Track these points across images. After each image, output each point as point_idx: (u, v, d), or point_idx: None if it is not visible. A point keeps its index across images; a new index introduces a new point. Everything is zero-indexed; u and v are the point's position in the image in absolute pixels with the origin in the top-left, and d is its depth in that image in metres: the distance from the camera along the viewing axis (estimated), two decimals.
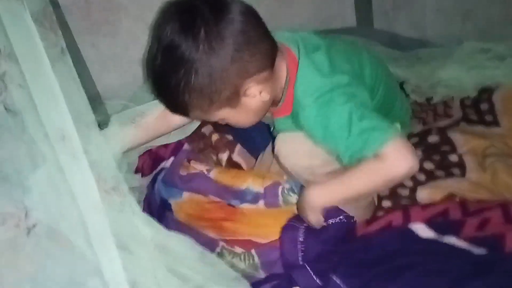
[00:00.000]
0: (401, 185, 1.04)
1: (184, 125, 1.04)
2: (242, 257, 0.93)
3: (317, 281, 0.79)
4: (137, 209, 0.76)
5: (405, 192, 1.02)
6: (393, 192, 1.03)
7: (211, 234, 0.96)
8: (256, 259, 0.91)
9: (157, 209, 1.02)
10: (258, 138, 1.17)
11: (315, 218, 0.85)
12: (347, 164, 0.79)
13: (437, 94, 1.24)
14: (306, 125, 0.82)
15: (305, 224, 0.89)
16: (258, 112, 0.84)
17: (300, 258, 0.84)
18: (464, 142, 1.07)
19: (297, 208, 0.90)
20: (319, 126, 0.79)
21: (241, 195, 0.96)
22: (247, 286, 0.81)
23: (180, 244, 0.78)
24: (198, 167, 1.02)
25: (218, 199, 0.98)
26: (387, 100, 0.95)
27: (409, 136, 1.15)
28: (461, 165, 1.03)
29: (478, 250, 0.78)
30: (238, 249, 0.94)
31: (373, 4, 1.51)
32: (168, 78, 0.77)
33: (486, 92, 1.19)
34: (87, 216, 0.68)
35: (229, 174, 1.01)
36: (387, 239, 0.85)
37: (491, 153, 1.02)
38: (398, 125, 0.87)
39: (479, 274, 0.71)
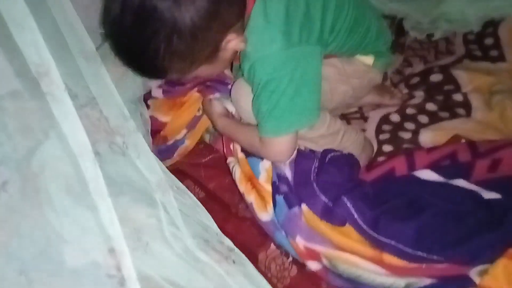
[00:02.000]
0: (403, 128, 0.98)
1: None
2: None
3: (323, 198, 0.77)
4: (144, 149, 0.68)
5: (407, 135, 0.96)
6: (394, 135, 0.97)
7: None
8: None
9: None
10: None
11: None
12: None
13: (438, 30, 1.16)
14: (247, 74, 0.77)
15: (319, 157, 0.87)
16: (230, 60, 0.80)
17: (312, 178, 0.80)
18: (469, 80, 1.01)
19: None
20: (251, 78, 0.77)
21: None
22: None
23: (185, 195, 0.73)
24: None
25: None
26: (357, 33, 0.87)
27: (410, 76, 1.07)
28: (466, 105, 0.97)
29: (490, 195, 0.73)
30: None
31: None
32: (144, 42, 0.67)
33: (490, 26, 1.11)
34: (81, 161, 0.59)
35: None
36: (392, 183, 0.80)
37: (498, 90, 0.96)
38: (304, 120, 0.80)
39: (495, 220, 0.67)
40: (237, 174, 0.89)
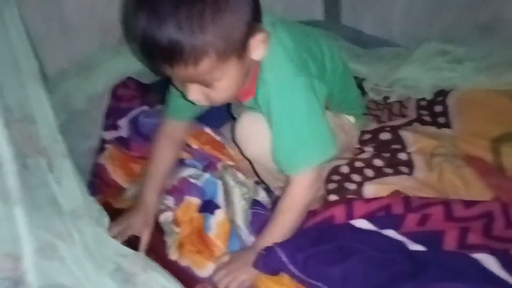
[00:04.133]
0: (349, 179, 1.02)
1: None
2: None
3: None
4: (68, 175, 0.69)
5: (352, 187, 0.99)
6: (340, 186, 1.00)
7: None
8: None
9: None
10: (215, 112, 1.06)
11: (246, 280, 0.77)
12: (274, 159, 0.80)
13: (394, 94, 1.23)
14: (262, 102, 0.78)
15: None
16: (243, 78, 0.75)
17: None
18: (414, 141, 1.06)
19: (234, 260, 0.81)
20: (276, 108, 0.77)
21: None
22: None
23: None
24: None
25: None
26: (343, 81, 0.93)
27: (363, 132, 1.13)
28: (409, 164, 1.01)
29: (415, 246, 0.76)
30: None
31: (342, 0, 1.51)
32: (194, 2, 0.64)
33: (441, 95, 1.19)
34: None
35: None
36: (327, 230, 0.83)
37: (439, 153, 1.01)
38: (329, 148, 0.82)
39: (416, 270, 0.70)
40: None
